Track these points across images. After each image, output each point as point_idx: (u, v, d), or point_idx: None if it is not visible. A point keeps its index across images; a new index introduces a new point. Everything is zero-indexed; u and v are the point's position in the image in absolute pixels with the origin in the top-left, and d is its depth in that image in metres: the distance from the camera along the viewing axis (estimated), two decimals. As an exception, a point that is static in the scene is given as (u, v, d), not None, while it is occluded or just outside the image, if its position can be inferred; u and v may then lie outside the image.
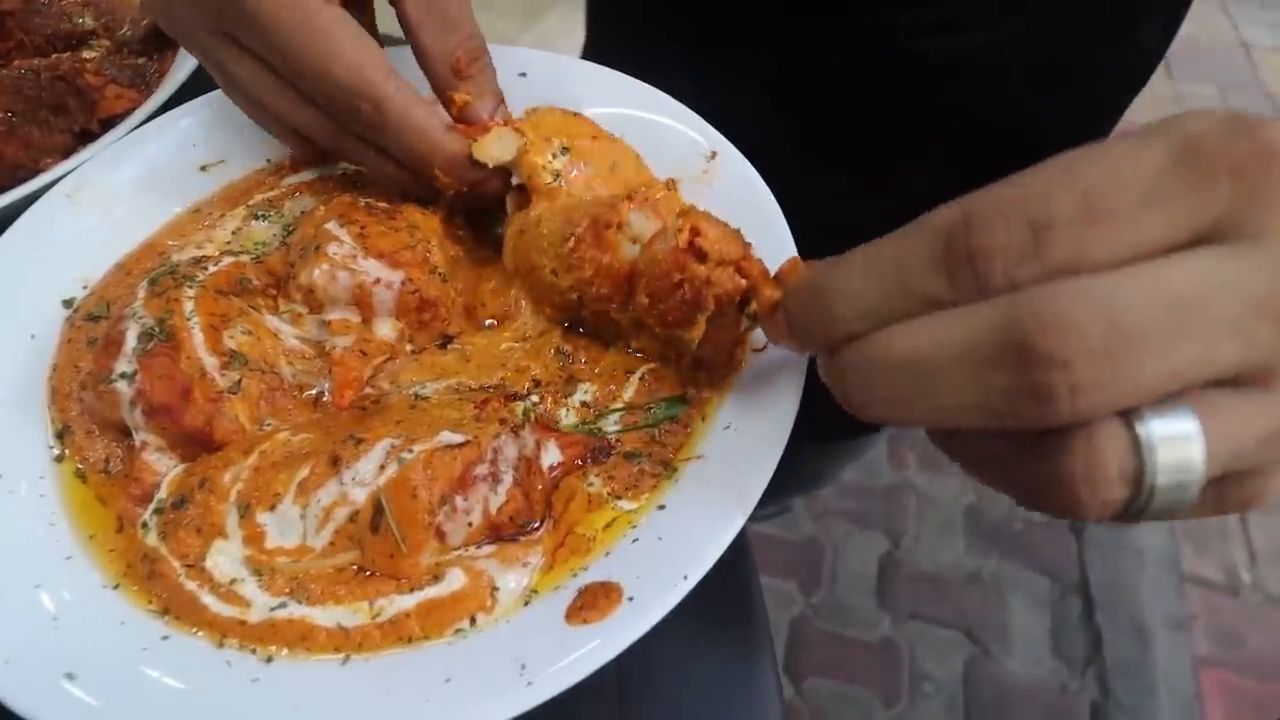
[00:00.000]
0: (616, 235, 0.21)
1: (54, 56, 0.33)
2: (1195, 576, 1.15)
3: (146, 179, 0.26)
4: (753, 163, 0.26)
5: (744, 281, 0.19)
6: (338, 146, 0.27)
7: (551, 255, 0.23)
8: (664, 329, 0.21)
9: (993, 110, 0.41)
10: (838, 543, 1.18)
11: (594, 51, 0.50)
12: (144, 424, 0.19)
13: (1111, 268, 0.14)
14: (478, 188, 0.27)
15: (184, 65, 0.30)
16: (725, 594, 0.21)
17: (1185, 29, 0.45)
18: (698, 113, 0.28)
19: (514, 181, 0.27)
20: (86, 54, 0.33)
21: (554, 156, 0.26)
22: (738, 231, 0.20)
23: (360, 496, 0.18)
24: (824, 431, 0.59)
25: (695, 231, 0.19)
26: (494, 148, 0.26)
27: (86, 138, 0.28)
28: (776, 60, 0.41)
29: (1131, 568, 1.19)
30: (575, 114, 0.28)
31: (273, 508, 0.18)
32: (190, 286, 0.20)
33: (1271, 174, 0.14)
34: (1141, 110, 0.36)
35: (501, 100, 0.28)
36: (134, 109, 0.28)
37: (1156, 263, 0.14)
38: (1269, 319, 0.14)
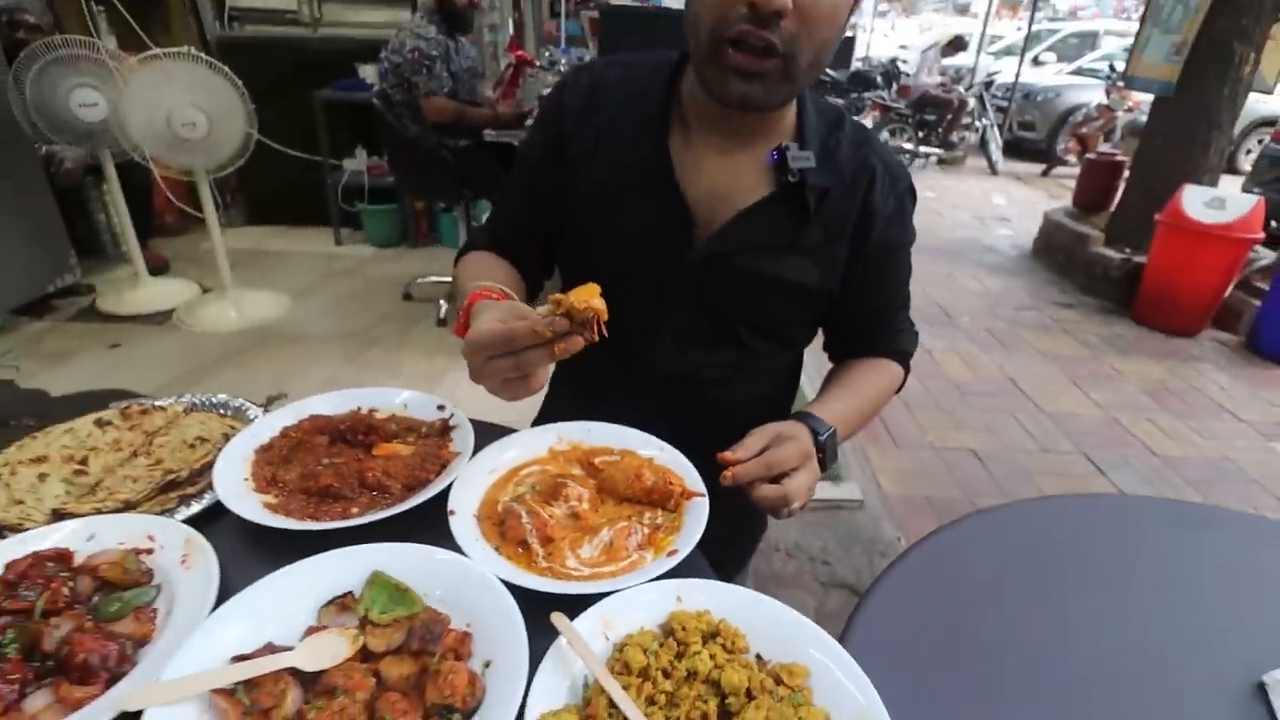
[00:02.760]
0: (646, 474, 0.70)
1: (396, 444, 0.79)
2: None
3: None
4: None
5: (678, 491, 0.69)
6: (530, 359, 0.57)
7: (623, 487, 0.70)
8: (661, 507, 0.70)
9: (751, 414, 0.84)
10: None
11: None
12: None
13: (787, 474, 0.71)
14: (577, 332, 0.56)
15: (463, 452, 0.77)
16: None
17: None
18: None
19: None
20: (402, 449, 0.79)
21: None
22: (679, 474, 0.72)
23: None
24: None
25: (667, 479, 0.69)
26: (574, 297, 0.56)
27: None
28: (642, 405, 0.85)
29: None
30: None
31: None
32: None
33: (812, 457, 0.74)
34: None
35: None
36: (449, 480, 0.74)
37: (799, 473, 0.71)
38: (804, 485, 0.71)
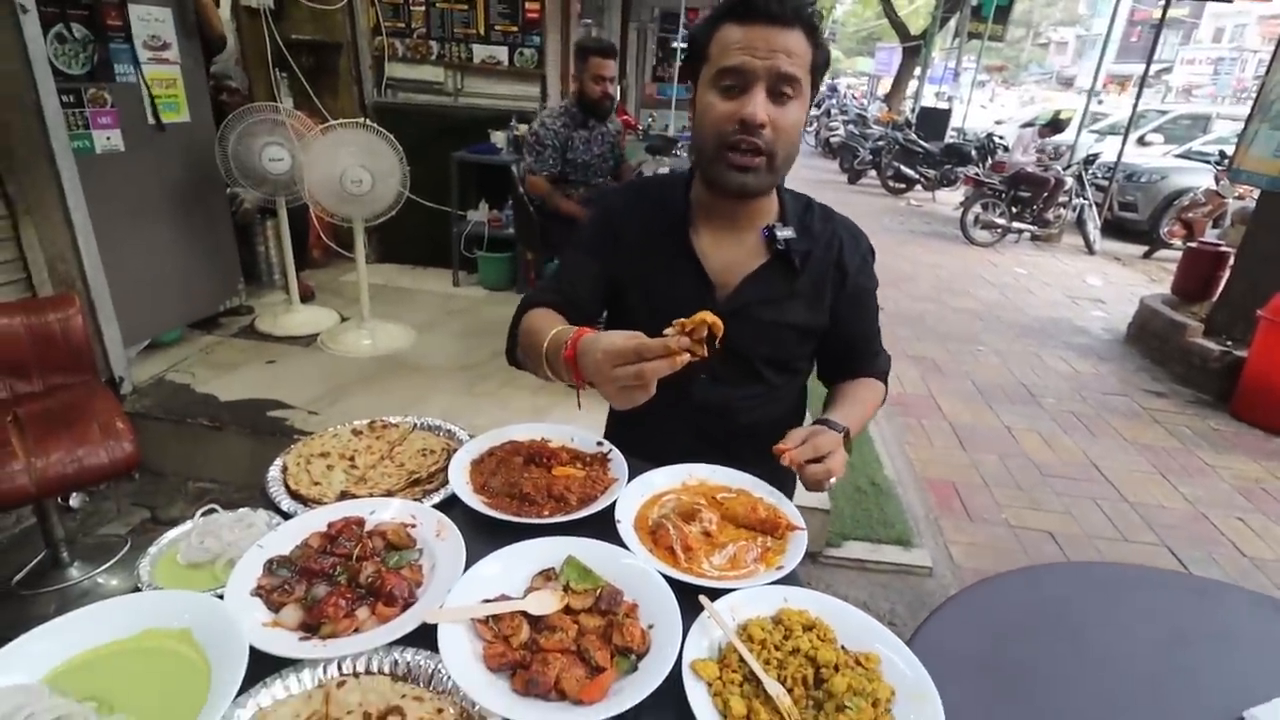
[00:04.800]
0: (759, 509, 0.93)
1: (569, 468, 1.05)
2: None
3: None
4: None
5: (784, 524, 0.91)
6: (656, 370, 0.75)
7: (742, 517, 0.92)
8: (770, 534, 0.92)
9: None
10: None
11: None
12: (675, 545, 0.86)
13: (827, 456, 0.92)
14: (692, 349, 0.76)
15: (619, 478, 1.02)
16: None
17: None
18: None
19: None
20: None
21: None
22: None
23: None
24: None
25: (776, 514, 0.92)
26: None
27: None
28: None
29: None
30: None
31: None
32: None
33: (840, 443, 0.96)
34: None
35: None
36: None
37: (835, 454, 0.93)
38: (840, 463, 0.94)
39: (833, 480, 0.93)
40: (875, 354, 1.20)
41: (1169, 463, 3.36)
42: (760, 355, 1.11)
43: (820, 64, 0.96)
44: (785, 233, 1.06)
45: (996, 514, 2.88)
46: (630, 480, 0.99)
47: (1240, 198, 6.75)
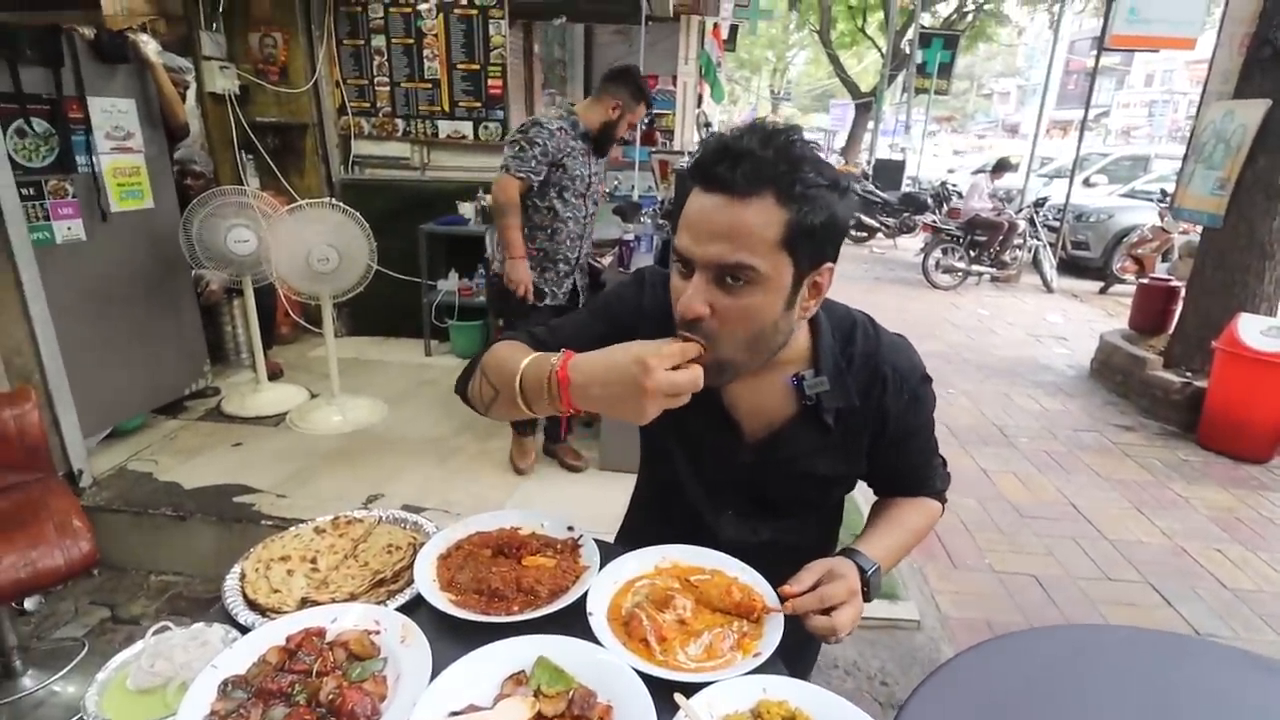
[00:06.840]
0: (734, 592, 0.91)
1: (539, 557, 1.03)
2: None
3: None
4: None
5: (759, 606, 0.89)
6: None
7: (716, 601, 0.91)
8: (746, 618, 0.90)
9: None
10: None
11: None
12: (650, 637, 0.84)
13: (836, 607, 0.85)
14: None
15: (591, 566, 1.00)
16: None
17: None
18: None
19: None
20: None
21: None
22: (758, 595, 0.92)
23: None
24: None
25: (750, 597, 0.90)
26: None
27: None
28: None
29: None
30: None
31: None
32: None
33: (858, 593, 0.88)
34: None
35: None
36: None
37: (845, 607, 0.86)
38: (850, 618, 0.86)
39: (841, 635, 0.84)
40: (926, 479, 1.07)
41: (1143, 496, 3.39)
42: (787, 499, 1.05)
43: (808, 229, 0.75)
44: (817, 384, 0.92)
45: (980, 560, 2.87)
46: (603, 566, 0.97)
47: (1185, 232, 7.05)
